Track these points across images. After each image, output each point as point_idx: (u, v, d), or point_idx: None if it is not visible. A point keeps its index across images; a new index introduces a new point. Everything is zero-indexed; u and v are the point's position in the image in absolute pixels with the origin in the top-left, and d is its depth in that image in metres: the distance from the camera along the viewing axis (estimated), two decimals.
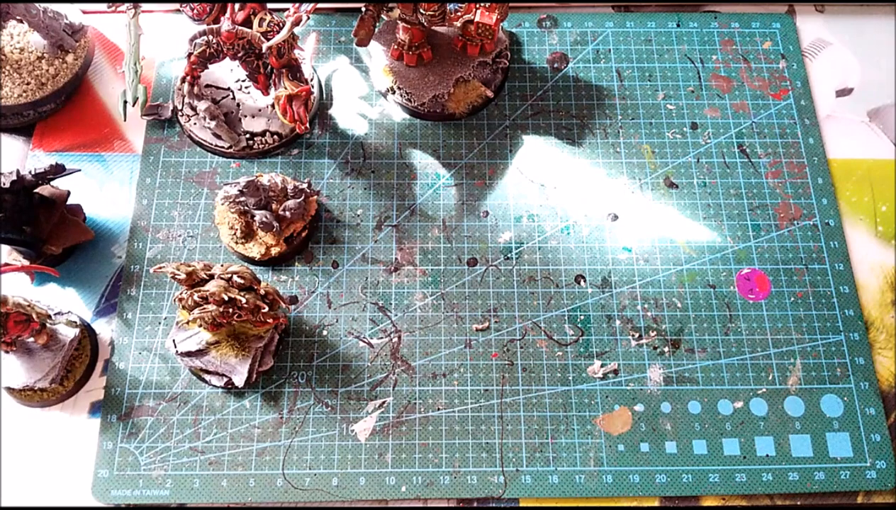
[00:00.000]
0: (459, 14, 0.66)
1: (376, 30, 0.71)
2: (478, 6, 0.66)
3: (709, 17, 0.80)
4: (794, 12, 0.81)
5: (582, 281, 0.67)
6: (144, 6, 0.70)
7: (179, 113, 0.72)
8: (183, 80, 0.69)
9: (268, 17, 0.64)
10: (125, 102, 0.68)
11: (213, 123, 0.69)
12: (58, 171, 0.61)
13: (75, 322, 0.63)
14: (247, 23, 0.64)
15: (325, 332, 0.65)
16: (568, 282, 0.67)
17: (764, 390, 0.63)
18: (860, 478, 0.60)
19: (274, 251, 0.65)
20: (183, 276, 0.55)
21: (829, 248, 0.69)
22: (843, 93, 0.77)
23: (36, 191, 0.63)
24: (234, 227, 0.65)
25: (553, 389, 0.63)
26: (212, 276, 0.56)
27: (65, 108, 0.74)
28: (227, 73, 0.73)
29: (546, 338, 0.65)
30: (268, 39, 0.63)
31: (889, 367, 0.65)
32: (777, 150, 0.73)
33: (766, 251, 0.69)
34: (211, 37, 0.64)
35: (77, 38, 0.73)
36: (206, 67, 0.68)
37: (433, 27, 0.69)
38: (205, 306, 0.56)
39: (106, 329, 0.65)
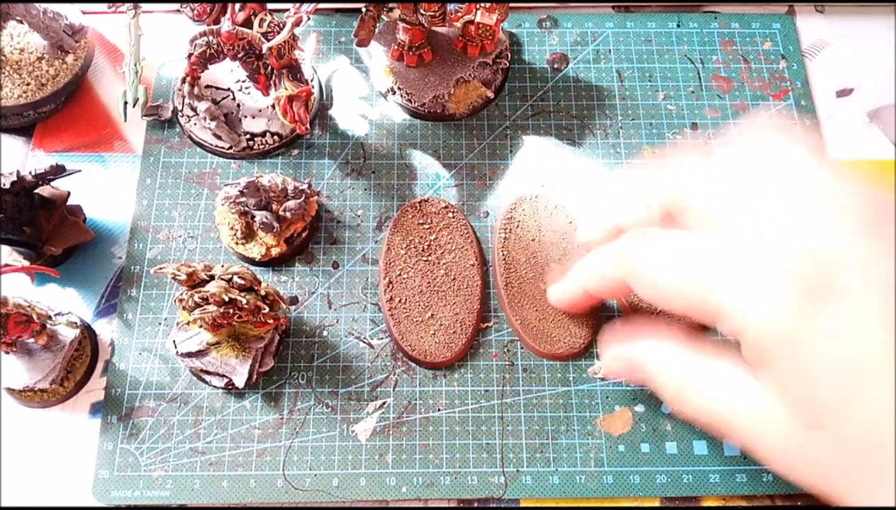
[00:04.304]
0: (460, 14, 0.66)
1: (377, 30, 0.71)
2: (478, 6, 0.66)
3: (709, 17, 0.80)
4: (794, 12, 0.81)
5: None
6: (144, 6, 0.70)
7: (179, 113, 0.72)
8: (183, 81, 0.69)
9: (268, 18, 0.64)
10: (125, 103, 0.68)
11: (213, 124, 0.69)
12: (58, 171, 0.61)
13: (75, 322, 0.63)
14: (247, 23, 0.64)
15: (325, 333, 0.65)
16: None
17: None
18: None
19: (274, 252, 0.65)
20: (183, 277, 0.55)
21: None
22: (843, 93, 0.77)
23: (36, 191, 0.63)
24: (235, 227, 0.65)
25: (553, 390, 0.63)
26: (212, 277, 0.56)
27: (65, 109, 0.74)
28: (227, 73, 0.73)
29: None
30: (268, 40, 0.63)
31: None
32: None
33: None
34: (211, 37, 0.64)
35: (77, 39, 0.73)
36: (207, 68, 0.68)
37: (433, 28, 0.69)
38: (205, 307, 0.56)
39: (106, 329, 0.65)
